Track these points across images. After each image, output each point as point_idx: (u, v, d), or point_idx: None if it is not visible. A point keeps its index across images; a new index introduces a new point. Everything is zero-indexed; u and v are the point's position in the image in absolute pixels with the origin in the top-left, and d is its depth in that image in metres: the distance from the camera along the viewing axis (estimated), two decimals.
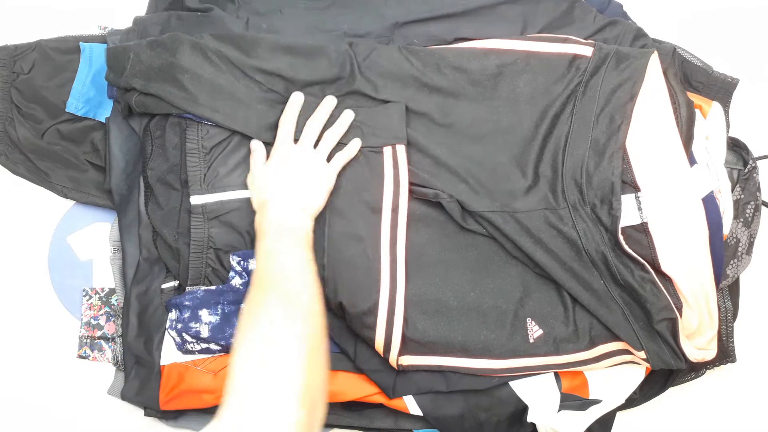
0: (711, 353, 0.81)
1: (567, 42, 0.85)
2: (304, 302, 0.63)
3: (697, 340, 0.80)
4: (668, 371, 0.87)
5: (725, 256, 0.86)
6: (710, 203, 0.81)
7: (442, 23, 0.88)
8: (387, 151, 0.82)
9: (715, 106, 0.87)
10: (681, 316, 0.78)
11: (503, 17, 0.88)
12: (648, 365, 0.80)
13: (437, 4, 0.89)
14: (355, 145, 0.81)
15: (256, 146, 0.81)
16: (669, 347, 0.78)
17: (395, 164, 0.81)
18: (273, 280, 0.65)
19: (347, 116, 0.81)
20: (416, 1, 0.90)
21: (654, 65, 0.83)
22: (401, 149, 0.81)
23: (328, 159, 0.80)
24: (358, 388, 0.83)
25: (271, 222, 0.73)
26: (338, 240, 0.79)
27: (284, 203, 0.75)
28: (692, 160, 0.82)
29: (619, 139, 0.81)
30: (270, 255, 0.69)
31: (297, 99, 0.81)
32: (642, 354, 0.79)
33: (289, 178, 0.77)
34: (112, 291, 0.92)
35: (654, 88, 0.82)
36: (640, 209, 0.79)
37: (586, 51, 0.84)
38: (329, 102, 0.82)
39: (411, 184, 0.81)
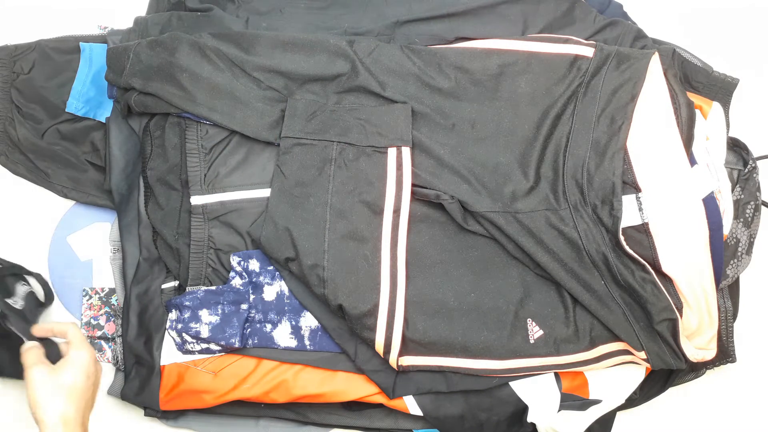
0: (711, 353, 0.81)
1: (568, 42, 0.85)
2: None
3: (696, 340, 0.81)
4: (668, 371, 0.87)
5: (725, 256, 0.86)
6: (710, 203, 0.81)
7: (443, 22, 0.88)
8: (391, 152, 0.82)
9: (715, 107, 0.87)
10: (681, 316, 0.78)
11: (504, 17, 0.88)
12: (648, 365, 0.80)
13: (438, 4, 0.89)
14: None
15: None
16: (669, 347, 0.78)
17: (399, 165, 0.81)
18: None
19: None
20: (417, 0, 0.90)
21: (655, 66, 0.83)
22: (406, 152, 0.81)
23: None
24: (358, 388, 0.83)
25: None
26: (338, 241, 0.79)
27: None
28: (693, 161, 0.83)
29: (620, 139, 0.81)
30: None
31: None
32: (642, 354, 0.79)
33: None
34: (112, 291, 0.92)
35: (655, 89, 0.82)
36: (640, 210, 0.79)
37: (587, 52, 0.84)
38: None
39: (413, 185, 0.81)
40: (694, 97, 0.87)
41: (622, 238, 0.78)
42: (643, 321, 0.79)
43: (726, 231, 0.84)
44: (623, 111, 0.82)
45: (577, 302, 0.81)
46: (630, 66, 0.83)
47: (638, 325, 0.79)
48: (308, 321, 0.82)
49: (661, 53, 0.86)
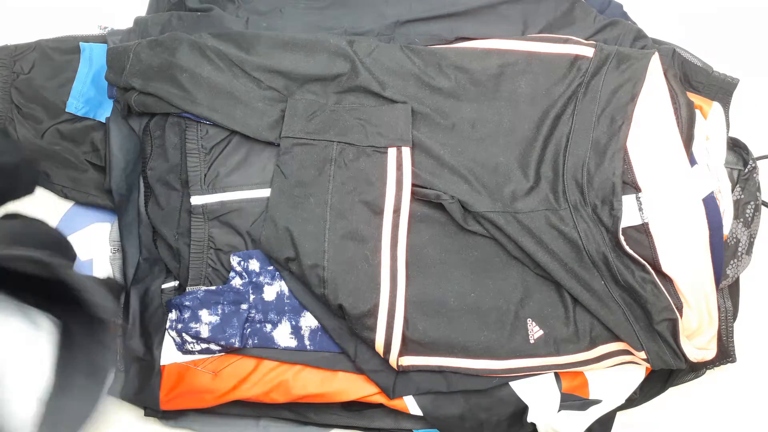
0: (711, 353, 0.81)
1: (568, 42, 0.85)
2: None
3: (696, 340, 0.81)
4: (668, 371, 0.87)
5: (725, 256, 0.86)
6: (710, 204, 0.81)
7: (443, 22, 0.88)
8: (391, 152, 0.82)
9: (715, 107, 0.87)
10: (681, 316, 0.78)
11: (504, 17, 0.89)
12: (648, 365, 0.80)
13: (438, 3, 0.89)
14: None
15: None
16: (669, 347, 0.78)
17: (399, 166, 0.81)
18: None
19: None
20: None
21: (655, 66, 0.83)
22: (406, 152, 0.81)
23: None
24: (358, 388, 0.83)
25: None
26: (338, 241, 0.79)
27: None
28: (693, 161, 0.83)
29: (620, 139, 0.81)
30: None
31: None
32: (642, 354, 0.79)
33: None
34: None
35: (655, 89, 0.83)
36: (640, 210, 0.79)
37: (588, 52, 0.84)
38: None
39: (413, 185, 0.81)
40: (694, 97, 0.87)
41: (621, 238, 0.78)
42: (642, 321, 0.79)
43: (726, 231, 0.84)
44: (623, 111, 0.82)
45: (577, 302, 0.81)
46: (630, 66, 0.83)
47: (638, 325, 0.79)
48: (308, 321, 0.82)
49: (661, 53, 0.86)
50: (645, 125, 0.82)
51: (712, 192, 0.82)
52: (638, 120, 0.82)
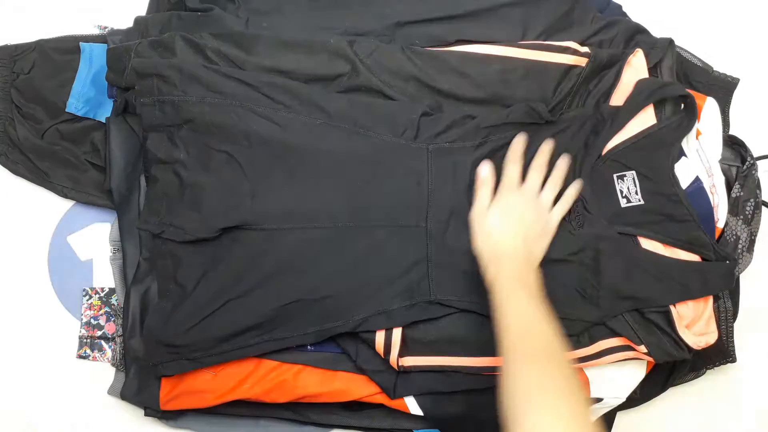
0: (712, 336, 0.80)
1: (566, 52, 0.84)
2: (566, 376, 0.61)
3: (696, 326, 0.80)
4: (668, 370, 0.87)
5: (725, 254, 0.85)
6: (696, 194, 0.81)
7: (443, 24, 0.88)
8: None
9: (709, 102, 0.86)
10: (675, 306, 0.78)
11: (504, 19, 0.88)
12: (650, 359, 0.80)
13: (439, 5, 0.89)
14: (572, 193, 0.79)
15: (486, 178, 0.78)
16: (668, 337, 0.78)
17: None
18: (530, 349, 0.64)
19: (563, 160, 0.80)
20: (418, 1, 0.90)
21: (638, 63, 0.83)
22: None
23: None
24: (358, 388, 0.83)
25: (510, 279, 0.71)
26: None
27: (519, 259, 0.72)
28: (680, 154, 0.82)
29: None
30: (519, 316, 0.67)
31: (520, 140, 0.79)
32: (643, 348, 0.79)
33: (522, 231, 0.74)
34: (112, 291, 0.92)
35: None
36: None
37: (582, 61, 0.84)
38: (549, 146, 0.80)
39: None
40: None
41: None
42: (636, 314, 0.79)
43: (721, 224, 0.84)
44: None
45: None
46: (611, 70, 0.83)
47: (632, 317, 0.79)
48: None
49: (657, 46, 0.86)
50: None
51: (701, 183, 0.82)
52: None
